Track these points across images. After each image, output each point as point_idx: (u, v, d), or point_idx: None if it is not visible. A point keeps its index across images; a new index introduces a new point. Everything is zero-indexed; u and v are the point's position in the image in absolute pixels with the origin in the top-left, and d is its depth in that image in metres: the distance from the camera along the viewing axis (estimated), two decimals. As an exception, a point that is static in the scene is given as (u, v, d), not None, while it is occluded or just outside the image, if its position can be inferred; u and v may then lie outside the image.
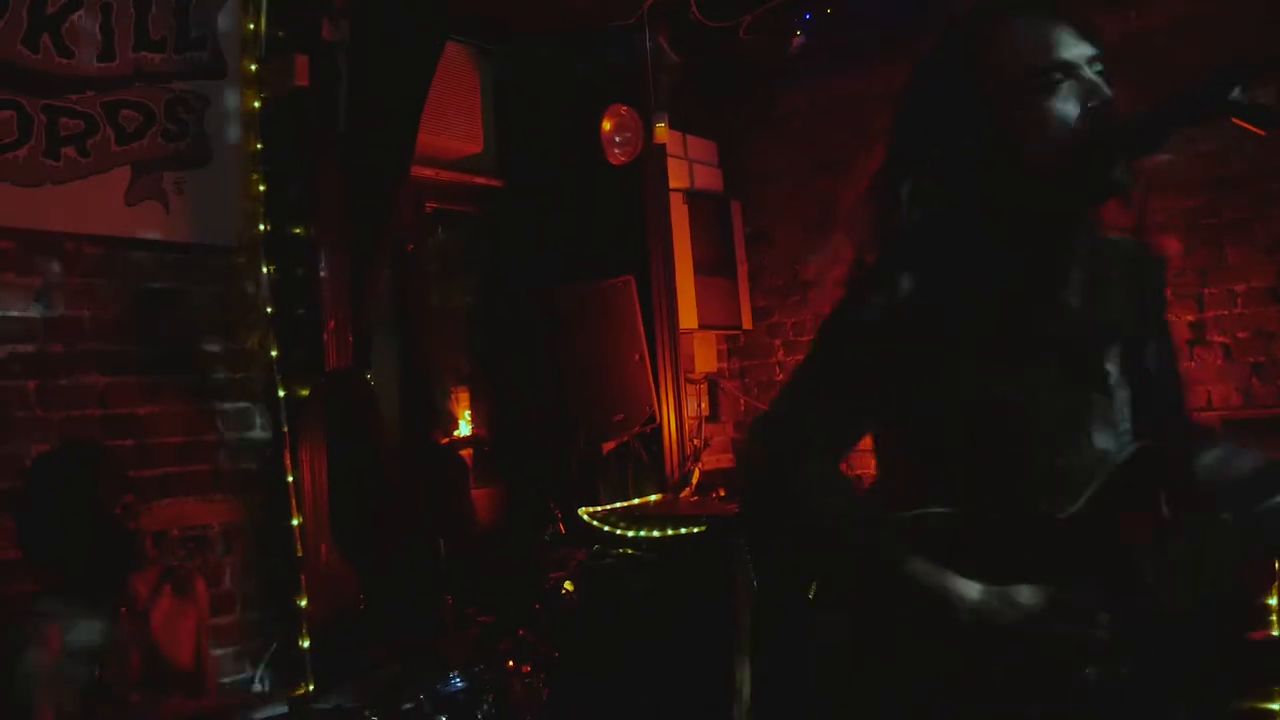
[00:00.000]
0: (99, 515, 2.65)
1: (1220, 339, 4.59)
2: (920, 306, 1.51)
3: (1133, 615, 1.44)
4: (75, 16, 3.45)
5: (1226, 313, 4.57)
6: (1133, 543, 1.47)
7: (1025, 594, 1.44)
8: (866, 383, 1.57)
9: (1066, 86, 1.49)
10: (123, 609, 2.69)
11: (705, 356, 5.69)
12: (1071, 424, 1.54)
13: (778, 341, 5.88)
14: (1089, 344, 1.58)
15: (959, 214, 1.56)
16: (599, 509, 4.53)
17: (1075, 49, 1.51)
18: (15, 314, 3.34)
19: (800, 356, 6.06)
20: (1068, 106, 1.49)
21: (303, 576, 3.66)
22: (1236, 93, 1.38)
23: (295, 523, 3.64)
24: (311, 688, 3.26)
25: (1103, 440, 1.55)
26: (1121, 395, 1.59)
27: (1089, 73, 1.50)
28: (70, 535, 2.63)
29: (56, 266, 3.43)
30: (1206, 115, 1.42)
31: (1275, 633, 3.16)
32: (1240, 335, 4.55)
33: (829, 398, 1.59)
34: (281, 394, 3.78)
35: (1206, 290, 4.59)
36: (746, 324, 5.86)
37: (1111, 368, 1.58)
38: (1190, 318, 4.60)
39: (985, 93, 1.53)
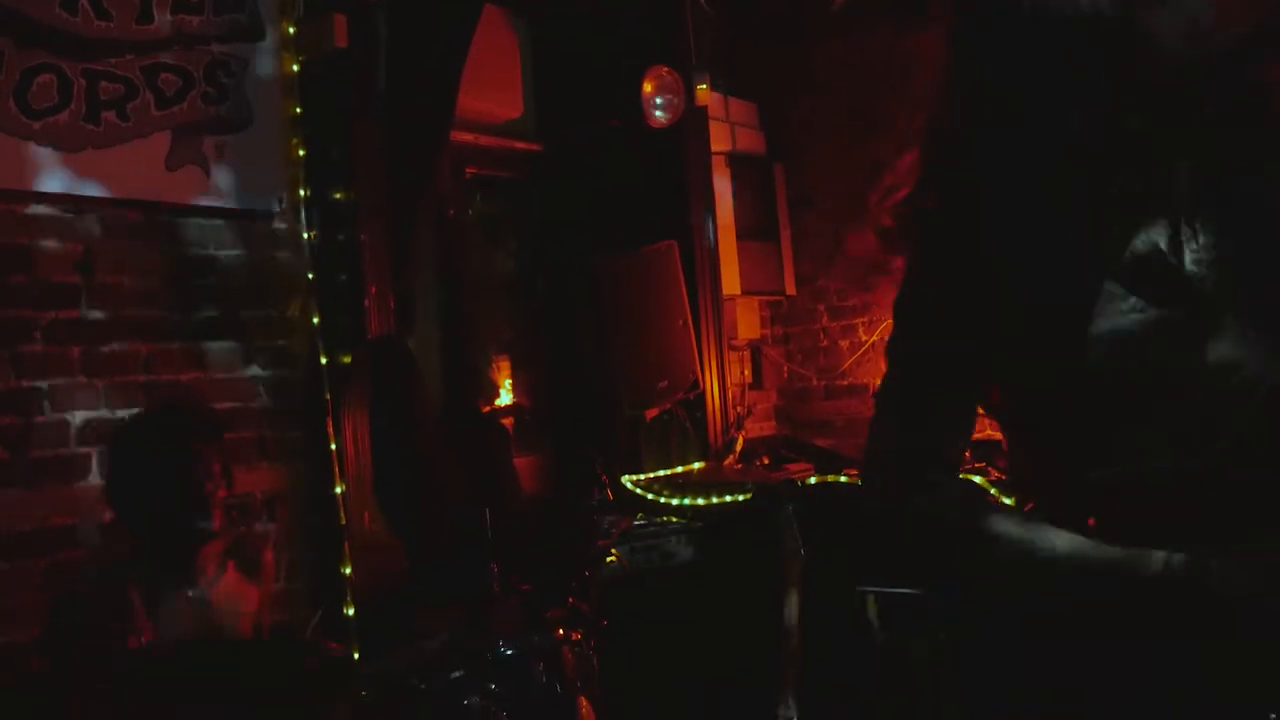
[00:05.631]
0: (184, 481, 2.62)
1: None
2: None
3: None
4: (112, -23, 3.41)
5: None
6: None
7: None
8: None
9: None
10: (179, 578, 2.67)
11: (748, 322, 5.62)
12: None
13: (821, 307, 5.79)
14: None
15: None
16: (643, 476, 4.48)
17: None
18: (58, 280, 3.32)
19: (844, 321, 5.94)
20: None
21: (346, 544, 3.64)
22: None
23: (338, 490, 3.62)
24: (357, 656, 3.24)
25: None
26: None
27: None
28: (153, 499, 2.61)
29: (98, 232, 3.41)
30: None
31: None
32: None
33: None
34: (324, 360, 3.76)
35: None
36: (790, 289, 5.78)
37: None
38: None
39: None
